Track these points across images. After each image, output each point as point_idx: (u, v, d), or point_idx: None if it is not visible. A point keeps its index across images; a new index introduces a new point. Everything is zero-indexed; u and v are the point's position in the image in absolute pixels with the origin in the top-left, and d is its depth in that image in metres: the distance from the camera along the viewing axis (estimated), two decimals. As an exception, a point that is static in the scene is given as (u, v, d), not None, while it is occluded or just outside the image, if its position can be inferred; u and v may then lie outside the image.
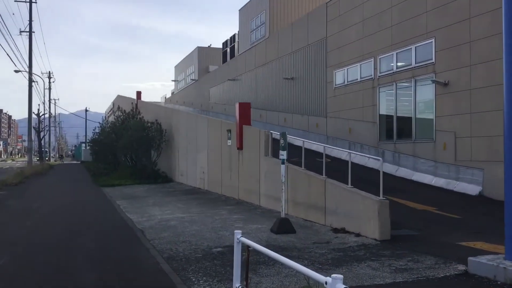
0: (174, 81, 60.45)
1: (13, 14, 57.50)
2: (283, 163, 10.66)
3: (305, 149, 12.86)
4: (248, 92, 33.33)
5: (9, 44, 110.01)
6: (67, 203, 17.53)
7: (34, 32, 44.27)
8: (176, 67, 59.66)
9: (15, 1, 43.88)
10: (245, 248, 5.36)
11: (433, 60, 16.27)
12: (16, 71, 40.18)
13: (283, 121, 28.01)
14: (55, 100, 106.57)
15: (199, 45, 50.97)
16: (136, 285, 7.11)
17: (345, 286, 3.09)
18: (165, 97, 64.19)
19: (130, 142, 27.03)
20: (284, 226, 10.34)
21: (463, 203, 13.45)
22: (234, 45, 40.67)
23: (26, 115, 42.59)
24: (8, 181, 26.09)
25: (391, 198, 10.71)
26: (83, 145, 72.85)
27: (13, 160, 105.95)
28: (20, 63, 68.40)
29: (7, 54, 34.12)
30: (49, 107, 73.44)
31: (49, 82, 71.85)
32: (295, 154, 14.15)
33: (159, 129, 27.08)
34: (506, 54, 6.77)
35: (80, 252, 9.19)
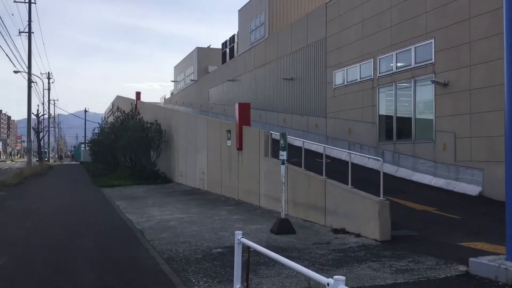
0: (174, 81, 60.42)
1: (12, 14, 57.41)
2: (283, 163, 10.63)
3: (305, 149, 12.83)
4: (247, 93, 33.31)
5: (8, 45, 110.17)
6: (66, 204, 17.50)
7: (33, 32, 44.29)
8: (175, 67, 59.64)
9: (14, 1, 43.86)
10: (246, 249, 5.34)
11: (433, 61, 16.26)
12: (15, 72, 40.16)
13: (282, 121, 27.99)
14: (54, 100, 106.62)
15: (199, 46, 50.97)
16: (135, 286, 7.08)
17: (347, 287, 3.07)
18: (165, 98, 64.15)
19: (130, 142, 27.00)
20: (284, 226, 10.32)
21: (463, 203, 13.43)
22: (233, 45, 40.65)
23: (26, 116, 42.56)
24: (8, 182, 26.05)
25: (391, 199, 10.69)
26: (83, 145, 72.79)
27: (12, 160, 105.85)
28: (20, 63, 68.34)
29: (6, 55, 34.14)
30: (48, 108, 73.44)
31: (48, 83, 71.85)
32: (295, 155, 14.13)
33: (159, 129, 27.05)
34: (507, 54, 6.75)
35: (79, 253, 9.16)
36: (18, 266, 8.30)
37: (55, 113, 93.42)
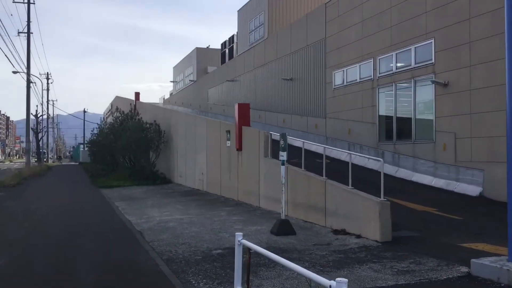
0: (173, 82, 60.38)
1: (11, 15, 57.38)
2: (283, 164, 10.59)
3: (304, 150, 12.78)
4: (247, 93, 33.27)
5: (7, 45, 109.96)
6: (65, 205, 17.43)
7: (32, 33, 44.18)
8: (174, 68, 59.60)
9: (13, 2, 43.78)
10: (246, 250, 5.29)
11: (433, 61, 16.23)
12: (14, 72, 40.09)
13: (282, 122, 27.95)
14: (53, 101, 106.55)
15: (198, 46, 50.91)
16: (135, 287, 7.03)
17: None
18: (164, 98, 64.09)
19: (129, 143, 26.94)
20: (284, 227, 10.27)
21: (463, 204, 13.40)
22: (232, 46, 40.61)
23: (24, 116, 42.47)
24: (6, 183, 25.99)
25: (391, 199, 10.64)
26: (81, 146, 72.68)
27: (11, 161, 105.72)
28: (18, 64, 68.37)
29: (5, 55, 34.07)
30: (47, 108, 73.31)
31: (47, 83, 71.73)
32: (295, 155, 14.08)
33: (158, 130, 26.99)
34: (508, 54, 6.70)
35: (79, 254, 9.11)
36: (18, 266, 8.27)
37: (54, 113, 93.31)
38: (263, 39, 32.30)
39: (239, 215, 13.34)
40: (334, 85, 22.49)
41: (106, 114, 61.97)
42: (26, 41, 42.49)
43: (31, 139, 45.23)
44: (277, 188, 12.61)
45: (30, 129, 44.22)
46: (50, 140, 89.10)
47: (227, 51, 42.05)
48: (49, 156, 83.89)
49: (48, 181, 30.66)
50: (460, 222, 11.16)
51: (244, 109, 16.40)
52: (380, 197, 9.66)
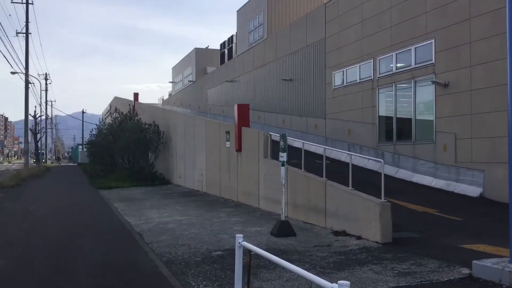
0: (172, 82, 60.33)
1: (10, 15, 57.26)
2: (283, 165, 10.53)
3: (304, 150, 12.73)
4: (246, 94, 33.22)
5: (5, 46, 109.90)
6: (64, 206, 17.36)
7: (31, 33, 44.15)
8: (173, 68, 59.56)
9: (11, 2, 43.72)
10: (246, 252, 5.24)
11: (433, 61, 16.19)
12: (13, 73, 40.02)
13: (281, 122, 27.90)
14: (51, 101, 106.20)
15: (197, 47, 50.87)
16: (134, 290, 6.99)
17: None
18: (163, 99, 64.04)
19: (128, 144, 26.87)
20: (284, 229, 10.22)
21: (464, 204, 13.35)
22: (232, 46, 40.58)
23: (23, 117, 42.39)
24: (5, 183, 25.91)
25: (391, 200, 10.60)
26: (80, 147, 72.57)
27: (9, 162, 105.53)
28: (17, 64, 68.30)
29: (4, 56, 33.99)
30: (46, 109, 73.17)
31: (46, 84, 71.60)
32: (294, 156, 14.02)
33: (157, 130, 26.92)
34: (510, 54, 6.65)
35: (77, 256, 9.05)
36: (17, 267, 8.23)
37: (53, 114, 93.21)
38: (262, 39, 32.26)
39: (238, 216, 13.28)
40: (334, 86, 22.45)
41: (105, 114, 61.89)
42: (24, 41, 42.47)
43: (29, 140, 45.15)
44: (276, 189, 12.55)
45: (29, 130, 44.16)
46: (49, 141, 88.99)
47: (226, 51, 42.02)
48: (48, 157, 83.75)
49: (47, 182, 30.57)
50: (461, 223, 11.12)
51: (243, 109, 16.34)
52: (380, 198, 9.61)
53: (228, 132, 17.41)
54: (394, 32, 18.19)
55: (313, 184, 11.84)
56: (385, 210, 9.36)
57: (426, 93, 16.72)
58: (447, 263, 7.54)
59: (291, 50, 26.85)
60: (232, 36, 40.87)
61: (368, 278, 6.89)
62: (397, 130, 18.23)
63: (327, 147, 15.42)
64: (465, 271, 7.06)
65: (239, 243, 5.17)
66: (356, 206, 10.16)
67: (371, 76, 19.65)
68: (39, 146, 63.77)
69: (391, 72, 18.41)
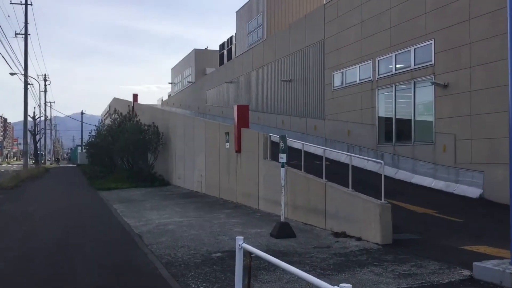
0: (171, 83, 60.29)
1: (9, 16, 57.21)
2: (283, 166, 10.51)
3: (304, 151, 12.72)
4: (245, 95, 33.20)
5: (4, 47, 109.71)
6: (63, 207, 17.32)
7: (29, 34, 44.10)
8: (172, 69, 59.52)
9: (10, 3, 43.68)
10: (246, 254, 5.21)
11: (433, 62, 16.18)
12: (12, 74, 39.97)
13: (281, 123, 27.88)
14: (50, 103, 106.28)
15: (196, 48, 50.85)
16: (134, 292, 6.96)
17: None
18: (162, 100, 63.99)
19: (127, 145, 26.82)
20: (284, 230, 10.19)
21: (464, 205, 13.34)
22: (231, 47, 40.56)
23: (22, 118, 42.34)
24: (4, 185, 25.85)
25: (391, 201, 10.57)
26: (79, 148, 72.51)
27: (8, 163, 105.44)
28: (16, 65, 68.07)
29: (3, 57, 34.08)
30: (45, 110, 73.14)
31: (45, 85, 71.57)
32: (294, 157, 14.00)
33: (156, 132, 26.88)
34: (511, 54, 6.64)
35: (76, 257, 9.02)
36: (17, 268, 8.22)
37: (52, 115, 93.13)
38: (261, 40, 32.24)
39: (238, 218, 13.25)
40: (333, 87, 22.44)
41: (104, 115, 61.85)
42: (23, 42, 42.44)
43: (28, 141, 45.12)
44: (276, 190, 12.53)
45: (28, 131, 44.10)
46: (48, 142, 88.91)
47: (225, 52, 41.99)
48: (47, 158, 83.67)
49: (46, 183, 30.52)
50: (461, 224, 11.11)
51: (243, 110, 16.32)
52: (380, 199, 9.60)
53: (227, 133, 17.39)
54: (394, 33, 18.18)
55: (313, 185, 11.82)
56: (385, 211, 9.34)
57: (426, 94, 16.71)
58: (447, 265, 7.52)
59: (291, 51, 26.84)
60: (231, 37, 40.85)
61: (369, 280, 6.87)
62: (397, 131, 18.21)
63: (326, 148, 15.40)
64: (466, 272, 7.04)
65: (240, 245, 5.14)
66: (356, 207, 10.14)
67: (370, 77, 19.64)
68: (38, 147, 63.71)
69: (391, 73, 18.40)
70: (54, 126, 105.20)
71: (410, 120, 17.47)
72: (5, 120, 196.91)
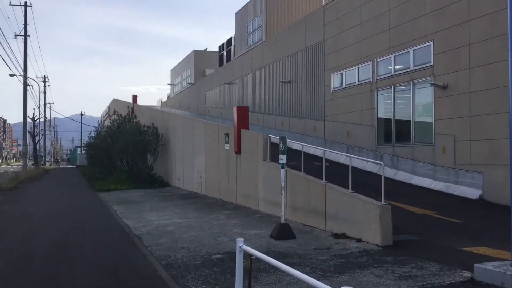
0: (170, 84, 60.27)
1: (8, 17, 57.23)
2: (282, 167, 10.50)
3: (303, 152, 12.70)
4: (245, 96, 33.20)
5: (4, 48, 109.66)
6: (62, 208, 17.30)
7: (29, 35, 44.09)
8: (172, 70, 59.50)
9: (10, 4, 43.67)
10: (247, 256, 5.20)
11: (432, 63, 16.18)
12: (11, 75, 39.91)
13: (280, 124, 27.87)
14: (50, 104, 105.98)
15: (196, 49, 50.82)
16: (134, 294, 6.94)
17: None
18: (161, 101, 63.96)
19: (126, 146, 26.80)
20: (284, 231, 10.17)
21: (463, 207, 13.33)
22: (230, 48, 40.55)
23: (21, 119, 42.30)
24: (3, 186, 25.81)
25: (391, 202, 10.56)
26: (79, 149, 72.46)
27: (8, 164, 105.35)
28: (15, 66, 67.98)
29: (2, 58, 33.99)
30: (44, 111, 73.08)
31: (44, 86, 71.52)
32: (293, 158, 13.99)
33: (156, 133, 26.86)
34: None
35: (76, 259, 9.00)
36: (16, 269, 8.20)
37: (51, 116, 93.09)
38: (261, 41, 32.24)
39: (238, 219, 13.24)
40: (333, 88, 22.44)
41: (104, 117, 61.82)
42: (23, 43, 42.41)
43: (28, 142, 45.07)
44: (276, 191, 12.52)
45: (27, 132, 44.06)
46: (47, 143, 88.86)
47: (225, 53, 41.98)
48: (46, 159, 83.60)
49: (45, 185, 30.49)
50: (461, 225, 11.10)
51: (242, 112, 16.31)
52: (380, 201, 9.59)
53: (227, 134, 17.38)
54: (393, 34, 18.18)
55: (313, 186, 11.81)
56: (385, 212, 9.33)
57: (425, 95, 16.71)
58: (448, 266, 7.51)
59: (290, 52, 26.84)
60: (230, 38, 40.85)
61: (369, 282, 6.86)
62: (396, 132, 18.21)
63: (326, 149, 15.38)
64: (467, 274, 7.03)
65: (240, 247, 5.13)
66: (356, 208, 10.12)
67: (370, 78, 19.64)
68: (38, 148, 63.67)
69: (390, 74, 18.40)
70: (54, 127, 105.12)
71: (409, 121, 17.47)
72: (5, 121, 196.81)
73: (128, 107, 36.41)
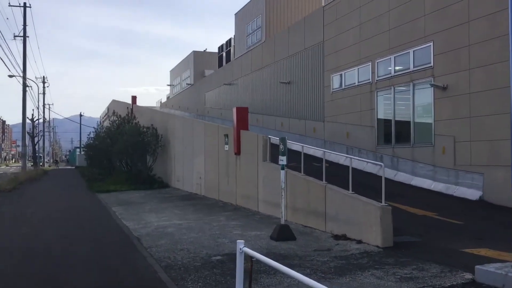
0: (170, 85, 60.24)
1: (7, 18, 57.17)
2: (282, 168, 10.47)
3: (303, 153, 12.68)
4: (244, 97, 33.18)
5: (3, 49, 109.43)
6: (62, 209, 17.26)
7: (28, 36, 44.10)
8: (171, 71, 59.47)
9: (9, 5, 43.63)
10: (247, 258, 5.17)
11: (432, 64, 16.17)
12: (10, 76, 39.86)
13: (280, 125, 27.85)
14: (49, 105, 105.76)
15: (195, 49, 50.80)
16: (133, 296, 6.91)
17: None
18: (161, 102, 63.93)
19: (126, 147, 26.75)
20: (284, 233, 10.15)
21: (463, 208, 13.31)
22: (230, 49, 40.53)
23: (20, 120, 42.26)
24: (2, 187, 25.75)
25: (391, 203, 10.54)
26: (78, 150, 72.42)
27: (7, 165, 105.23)
28: (14, 67, 67.85)
29: (1, 59, 33.86)
30: (43, 112, 73.04)
31: (43, 87, 71.49)
32: (293, 159, 13.95)
33: (155, 134, 26.81)
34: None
35: (75, 260, 8.96)
36: (16, 271, 8.16)
37: (50, 117, 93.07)
38: (260, 42, 32.23)
39: (238, 220, 13.21)
40: (332, 89, 22.42)
41: (103, 118, 61.77)
42: (22, 44, 42.38)
43: (27, 143, 45.01)
44: (276, 192, 12.50)
45: (26, 133, 44.01)
46: (46, 144, 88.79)
47: (224, 54, 41.96)
48: (45, 160, 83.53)
49: (45, 186, 30.44)
50: (461, 226, 11.07)
51: (242, 112, 16.28)
52: (380, 202, 9.56)
53: (226, 135, 17.35)
54: (393, 35, 18.17)
55: (313, 187, 11.78)
56: (386, 214, 9.31)
57: (425, 96, 16.69)
58: (449, 268, 7.48)
59: (289, 53, 26.82)
60: (230, 39, 40.83)
61: (370, 284, 6.83)
62: (396, 133, 18.19)
63: (326, 150, 15.37)
64: (468, 276, 7.00)
65: (241, 249, 5.10)
66: (356, 210, 10.10)
67: (369, 79, 19.62)
68: (37, 149, 63.62)
69: (390, 75, 18.38)
70: (53, 128, 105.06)
71: (409, 122, 17.45)
72: (4, 122, 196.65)
73: (127, 108, 36.37)
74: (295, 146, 16.03)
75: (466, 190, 14.54)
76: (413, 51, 17.06)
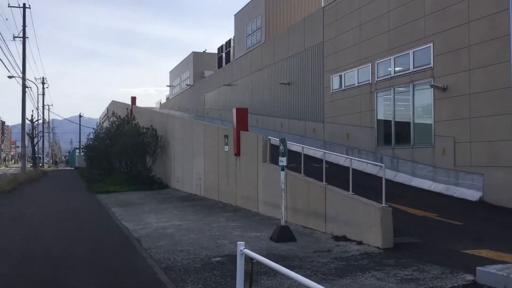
0: (169, 86, 60.22)
1: (7, 19, 57.12)
2: (282, 169, 10.45)
3: (303, 154, 12.66)
4: (244, 97, 33.16)
5: (2, 50, 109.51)
6: (61, 210, 17.24)
7: (28, 37, 44.04)
8: (171, 72, 59.46)
9: (8, 6, 43.61)
10: (248, 259, 5.15)
11: (432, 65, 16.16)
12: (10, 77, 39.83)
13: (279, 126, 27.83)
14: (48, 105, 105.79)
15: (195, 50, 50.79)
16: (133, 297, 6.88)
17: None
18: (160, 103, 63.91)
19: (125, 148, 26.72)
20: (284, 234, 10.12)
21: (463, 208, 13.29)
22: (229, 50, 40.53)
23: (20, 121, 42.23)
24: (2, 188, 25.71)
25: (391, 204, 10.52)
26: (77, 151, 72.38)
27: (6, 166, 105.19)
28: (14, 68, 67.99)
29: (1, 60, 33.85)
30: (43, 113, 72.99)
31: (43, 88, 71.44)
32: (293, 160, 13.92)
33: (155, 134, 26.79)
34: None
35: (74, 261, 8.94)
36: (15, 272, 8.14)
37: (50, 118, 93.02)
38: (260, 43, 32.22)
39: (237, 221, 13.18)
40: (332, 90, 22.41)
41: (102, 118, 61.76)
42: (21, 45, 42.35)
43: (26, 144, 44.97)
44: (276, 193, 12.47)
45: (26, 134, 43.97)
46: (46, 145, 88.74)
47: (224, 55, 41.96)
48: (45, 161, 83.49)
49: (44, 186, 30.41)
50: (461, 227, 11.05)
51: (242, 113, 16.26)
52: (381, 203, 9.54)
53: (226, 136, 17.33)
54: (393, 36, 18.16)
55: (313, 188, 11.76)
56: (386, 215, 9.29)
57: (425, 96, 16.68)
58: (450, 269, 7.46)
59: (289, 54, 26.81)
60: (229, 40, 40.82)
61: (371, 285, 6.81)
62: (396, 134, 18.17)
63: (326, 151, 15.35)
64: (469, 277, 6.98)
65: (241, 250, 5.07)
66: (356, 211, 10.08)
67: (369, 80, 19.61)
68: (36, 150, 63.59)
69: (390, 76, 18.37)
70: (52, 129, 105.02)
71: (409, 122, 17.44)
72: (3, 123, 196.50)
73: (127, 108, 36.35)
74: (295, 147, 16.02)
75: (466, 191, 14.53)
76: (413, 52, 17.05)
